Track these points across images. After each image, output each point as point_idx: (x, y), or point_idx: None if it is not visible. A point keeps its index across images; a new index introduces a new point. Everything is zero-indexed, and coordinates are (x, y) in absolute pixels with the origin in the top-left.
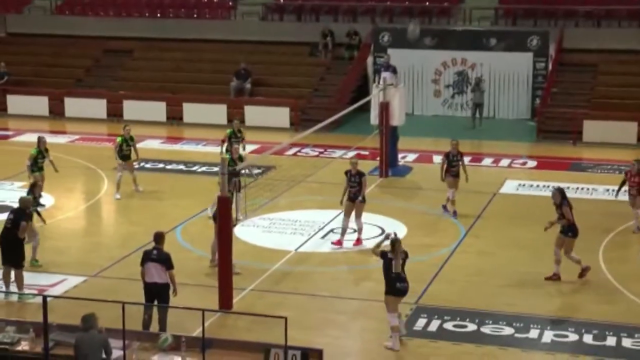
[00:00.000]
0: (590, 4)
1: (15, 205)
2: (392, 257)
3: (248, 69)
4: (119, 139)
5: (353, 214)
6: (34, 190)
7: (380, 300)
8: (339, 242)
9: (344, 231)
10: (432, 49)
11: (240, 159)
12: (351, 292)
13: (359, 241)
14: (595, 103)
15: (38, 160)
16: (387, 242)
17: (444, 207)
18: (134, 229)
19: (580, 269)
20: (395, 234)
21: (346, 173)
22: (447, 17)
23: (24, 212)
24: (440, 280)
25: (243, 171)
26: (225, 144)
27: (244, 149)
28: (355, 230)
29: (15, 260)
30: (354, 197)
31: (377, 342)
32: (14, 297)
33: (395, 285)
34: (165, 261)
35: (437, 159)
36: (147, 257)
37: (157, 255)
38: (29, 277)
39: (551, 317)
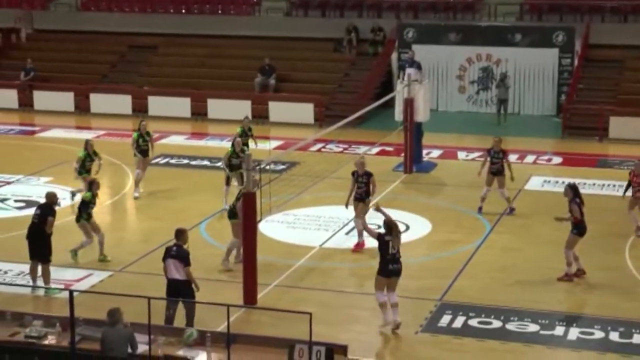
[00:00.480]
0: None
1: (42, 200)
2: (389, 239)
3: (272, 65)
4: (134, 135)
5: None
6: (92, 187)
7: (405, 296)
8: (360, 245)
9: (360, 233)
10: (456, 45)
11: (243, 151)
12: (371, 287)
13: (359, 245)
14: (621, 99)
15: (86, 162)
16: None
17: (480, 209)
18: (159, 225)
19: (570, 271)
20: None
21: (353, 174)
22: (472, 12)
23: (51, 207)
24: (465, 277)
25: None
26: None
27: (255, 145)
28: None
29: (42, 255)
30: (363, 197)
31: (402, 338)
32: (41, 292)
33: (388, 267)
34: (183, 258)
35: (462, 155)
36: (167, 253)
37: (176, 251)
38: (55, 272)
39: (577, 314)
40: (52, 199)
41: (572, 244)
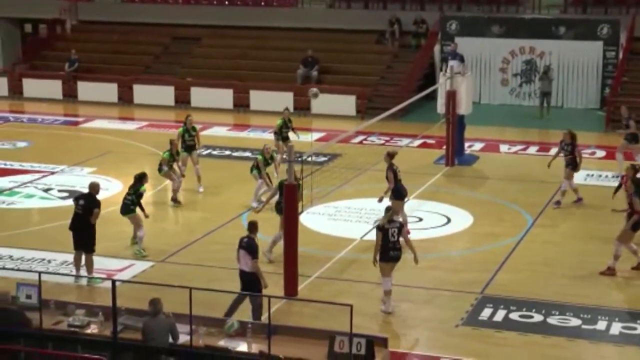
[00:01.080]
0: None
1: (85, 190)
2: (388, 227)
3: (315, 57)
4: (180, 129)
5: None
6: (143, 180)
7: (446, 289)
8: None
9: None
10: (500, 37)
11: (272, 158)
12: (417, 280)
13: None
14: None
15: (169, 163)
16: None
17: (558, 202)
18: (200, 215)
19: (614, 264)
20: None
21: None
22: (516, 5)
23: (95, 197)
24: (506, 270)
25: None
26: (276, 136)
27: (297, 136)
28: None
29: (86, 245)
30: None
31: (442, 330)
32: (84, 281)
33: (389, 253)
34: (252, 250)
35: (504, 148)
36: (239, 244)
37: (246, 243)
38: (98, 262)
39: (620, 309)
40: (95, 189)
41: (626, 237)
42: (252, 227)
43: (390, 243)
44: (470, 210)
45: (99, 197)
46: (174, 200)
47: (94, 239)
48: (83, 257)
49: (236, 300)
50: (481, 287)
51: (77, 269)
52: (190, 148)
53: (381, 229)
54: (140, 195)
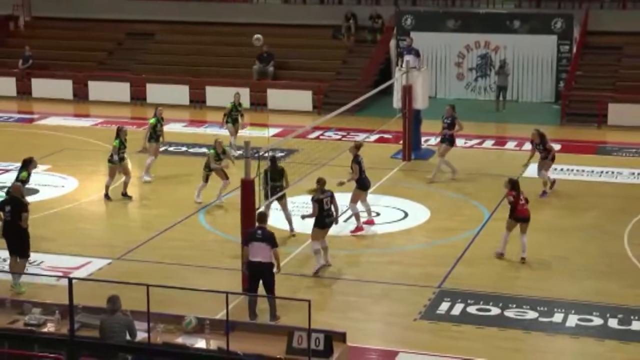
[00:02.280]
0: None
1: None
2: (322, 197)
3: (271, 52)
4: (152, 120)
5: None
6: (30, 166)
7: (404, 283)
8: (358, 229)
9: (357, 217)
10: (455, 32)
11: (224, 152)
12: (375, 275)
13: (357, 229)
14: (620, 86)
15: (120, 150)
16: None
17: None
18: (158, 212)
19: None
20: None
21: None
22: None
23: (20, 200)
24: (463, 264)
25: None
26: (226, 118)
27: (242, 120)
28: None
29: (20, 250)
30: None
31: (400, 325)
32: (10, 280)
33: (325, 221)
34: (270, 240)
35: (460, 142)
36: (251, 237)
37: (262, 234)
38: (54, 259)
39: (576, 301)
40: (18, 191)
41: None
42: (263, 217)
43: (324, 211)
44: (427, 204)
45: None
46: (125, 194)
47: (28, 243)
48: (17, 260)
49: (253, 301)
50: (439, 281)
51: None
52: (159, 138)
53: (316, 200)
54: (20, 182)
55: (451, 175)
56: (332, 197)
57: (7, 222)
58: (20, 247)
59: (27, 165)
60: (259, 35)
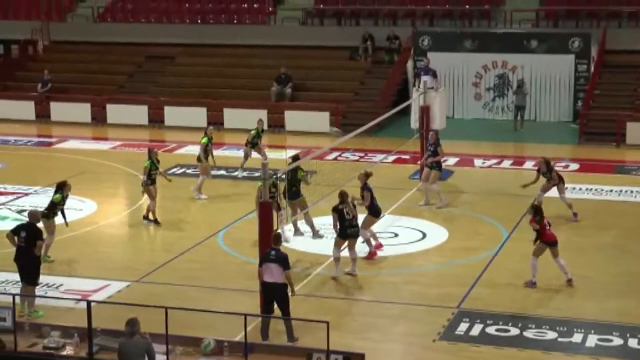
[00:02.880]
0: (634, 5)
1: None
2: (342, 207)
3: (289, 74)
4: (204, 140)
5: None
6: (64, 189)
7: (423, 304)
8: (372, 255)
9: (369, 242)
10: (473, 52)
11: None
12: (394, 296)
13: (371, 254)
14: (638, 105)
15: (152, 172)
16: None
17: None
18: (177, 234)
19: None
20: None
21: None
22: (488, 19)
23: (36, 227)
24: (482, 284)
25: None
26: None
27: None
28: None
29: (30, 278)
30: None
31: (419, 346)
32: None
33: (347, 231)
34: (283, 262)
35: (478, 162)
36: (266, 258)
37: (275, 256)
38: (73, 283)
39: (596, 321)
40: (36, 217)
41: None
42: (278, 239)
43: (346, 222)
44: (445, 225)
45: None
46: (147, 218)
47: (38, 271)
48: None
49: (266, 323)
50: (458, 302)
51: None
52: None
53: (336, 209)
54: (53, 204)
55: (440, 205)
56: (354, 207)
57: (21, 248)
58: (31, 275)
59: (62, 188)
60: (335, 128)
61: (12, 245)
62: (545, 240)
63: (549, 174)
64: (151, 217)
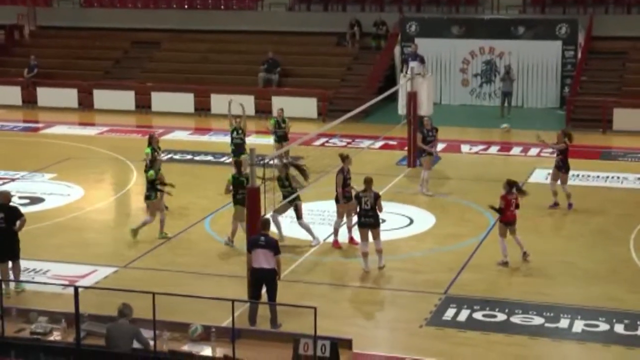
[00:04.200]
0: None
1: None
2: (362, 195)
3: (276, 59)
4: (272, 121)
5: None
6: (154, 164)
7: (410, 289)
8: (336, 243)
9: (347, 229)
10: (459, 38)
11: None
12: (381, 281)
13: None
14: (625, 91)
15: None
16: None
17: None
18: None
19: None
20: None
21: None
22: (475, 5)
23: (13, 207)
24: (469, 270)
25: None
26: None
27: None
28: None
29: (13, 253)
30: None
31: (406, 331)
32: (15, 286)
33: (361, 219)
34: (273, 247)
35: (465, 148)
36: (254, 244)
37: (265, 241)
38: (60, 268)
39: (582, 306)
40: (7, 198)
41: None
42: (266, 224)
43: (362, 210)
44: (432, 211)
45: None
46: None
47: (18, 245)
48: (9, 265)
49: (254, 308)
50: (445, 288)
51: (5, 278)
52: (282, 138)
53: (356, 197)
54: (151, 181)
55: (427, 192)
56: (375, 198)
57: (0, 228)
58: (15, 252)
59: (150, 143)
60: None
61: None
62: (504, 220)
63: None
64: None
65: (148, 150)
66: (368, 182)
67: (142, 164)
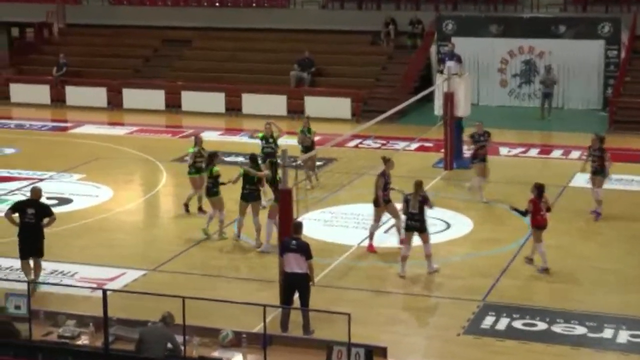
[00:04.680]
0: None
1: (44, 197)
2: (409, 197)
3: (311, 58)
4: (299, 129)
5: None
6: (214, 159)
7: (447, 296)
8: (371, 247)
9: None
10: (498, 37)
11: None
12: (417, 287)
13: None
14: None
15: (197, 160)
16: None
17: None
18: (194, 222)
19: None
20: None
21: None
22: (514, 3)
23: (44, 203)
24: (508, 277)
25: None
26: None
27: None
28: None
29: (39, 251)
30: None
31: (443, 339)
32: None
33: (407, 222)
34: (305, 251)
35: (504, 151)
36: (286, 247)
37: (296, 245)
38: (88, 271)
39: (627, 316)
40: (39, 194)
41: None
42: (298, 228)
43: (409, 213)
44: (470, 215)
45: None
46: (201, 209)
47: (43, 243)
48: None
49: (286, 314)
50: (483, 295)
51: (28, 275)
52: (308, 149)
53: (405, 199)
54: (216, 177)
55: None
56: (422, 201)
57: (29, 224)
58: (40, 249)
59: (212, 159)
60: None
61: (12, 224)
62: (534, 224)
63: (599, 152)
64: (191, 208)
65: (193, 149)
66: (418, 185)
67: (171, 165)
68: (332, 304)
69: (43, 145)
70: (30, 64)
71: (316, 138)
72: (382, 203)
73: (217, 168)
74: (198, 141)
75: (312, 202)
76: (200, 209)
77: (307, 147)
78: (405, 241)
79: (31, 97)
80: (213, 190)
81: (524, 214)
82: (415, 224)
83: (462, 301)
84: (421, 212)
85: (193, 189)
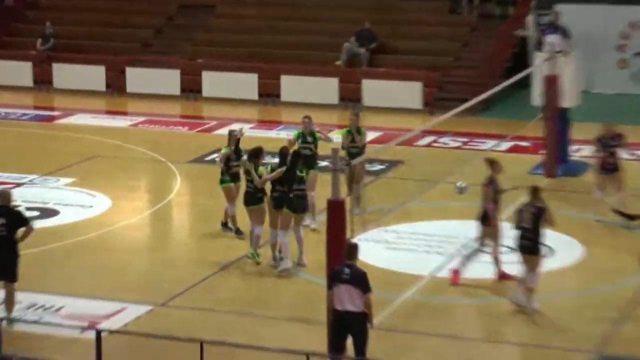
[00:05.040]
0: None
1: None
2: (523, 209)
3: (372, 31)
4: (343, 131)
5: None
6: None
7: (549, 345)
8: (504, 276)
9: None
10: (615, 4)
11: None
12: (507, 333)
13: (503, 276)
14: None
15: (230, 162)
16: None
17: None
18: (217, 241)
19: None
20: None
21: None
22: None
23: (15, 210)
24: (633, 321)
25: None
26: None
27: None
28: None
29: (12, 273)
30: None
31: None
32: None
33: (518, 241)
34: (361, 282)
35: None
36: (337, 277)
37: (349, 274)
38: (78, 305)
39: None
40: (7, 198)
41: None
42: (353, 251)
43: (520, 229)
44: (579, 237)
45: None
46: (225, 225)
47: (17, 262)
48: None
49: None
50: (598, 343)
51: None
52: (355, 156)
53: (518, 210)
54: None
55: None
56: (536, 213)
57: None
58: (13, 270)
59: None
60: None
61: None
62: None
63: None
64: (230, 224)
65: (225, 150)
66: (534, 192)
67: (187, 167)
68: (396, 353)
69: (22, 140)
70: (8, 35)
71: (368, 138)
72: (493, 220)
73: (262, 169)
74: (233, 138)
75: (372, 218)
76: (225, 225)
77: (355, 154)
78: (522, 265)
79: (9, 77)
80: (257, 196)
81: (632, 218)
82: (527, 242)
83: (568, 353)
84: (535, 229)
85: (228, 202)
